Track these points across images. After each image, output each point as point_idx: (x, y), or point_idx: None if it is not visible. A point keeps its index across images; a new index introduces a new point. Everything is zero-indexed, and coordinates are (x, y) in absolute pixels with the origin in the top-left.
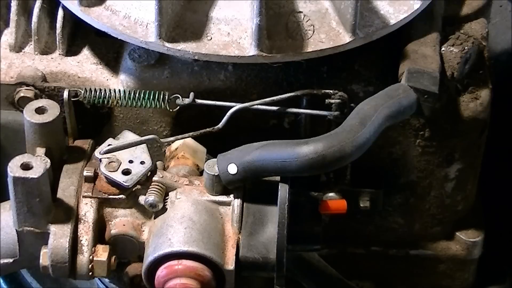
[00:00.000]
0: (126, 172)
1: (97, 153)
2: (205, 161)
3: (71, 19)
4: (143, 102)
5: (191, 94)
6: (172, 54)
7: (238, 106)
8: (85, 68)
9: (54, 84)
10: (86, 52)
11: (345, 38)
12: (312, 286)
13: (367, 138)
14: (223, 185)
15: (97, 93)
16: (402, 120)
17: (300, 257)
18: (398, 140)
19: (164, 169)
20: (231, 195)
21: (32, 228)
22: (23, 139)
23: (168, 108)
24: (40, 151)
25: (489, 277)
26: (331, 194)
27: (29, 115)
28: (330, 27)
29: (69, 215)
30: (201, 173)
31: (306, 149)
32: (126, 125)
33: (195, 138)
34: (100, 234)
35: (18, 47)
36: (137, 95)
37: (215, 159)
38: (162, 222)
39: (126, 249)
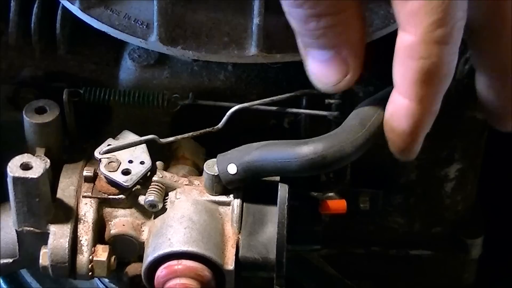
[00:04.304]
0: (126, 172)
1: (96, 153)
2: (205, 161)
3: (71, 19)
4: (143, 102)
5: (191, 94)
6: (172, 54)
7: (238, 106)
8: (84, 68)
9: (54, 84)
10: (85, 52)
11: None
12: (312, 286)
13: (367, 138)
14: (222, 185)
15: (97, 93)
16: None
17: (300, 257)
18: None
19: (164, 169)
20: (231, 195)
21: (31, 228)
22: (22, 139)
23: (168, 108)
24: (40, 151)
25: (489, 277)
26: (331, 194)
27: (29, 115)
28: None
29: (69, 215)
30: (200, 173)
31: (306, 149)
32: (126, 125)
33: (195, 138)
34: (100, 234)
35: (18, 47)
36: (137, 95)
37: (215, 159)
38: (161, 222)
39: (126, 249)
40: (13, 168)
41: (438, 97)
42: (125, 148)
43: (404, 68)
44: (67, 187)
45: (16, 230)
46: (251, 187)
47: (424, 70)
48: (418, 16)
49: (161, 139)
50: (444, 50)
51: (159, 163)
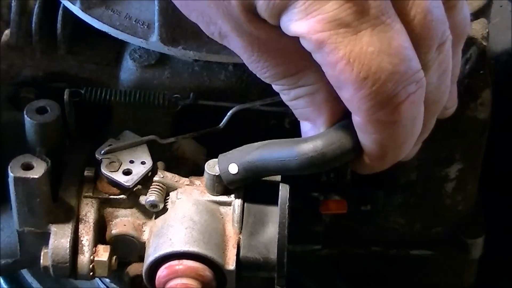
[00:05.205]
0: (127, 172)
1: (97, 154)
2: (206, 161)
3: (72, 19)
4: (144, 102)
5: (192, 94)
6: (173, 54)
7: (238, 106)
8: (85, 68)
9: (54, 84)
10: (86, 52)
11: None
12: (312, 286)
13: None
14: (223, 185)
15: (98, 93)
16: None
17: (300, 257)
18: None
19: (165, 169)
20: (232, 195)
21: (32, 228)
22: (23, 139)
23: (168, 108)
24: (41, 151)
25: (489, 277)
26: (331, 194)
27: (29, 115)
28: None
29: (69, 215)
30: (201, 173)
31: (306, 147)
32: (127, 126)
33: (196, 138)
34: (100, 234)
35: (18, 47)
36: (137, 95)
37: (216, 159)
38: (163, 222)
39: (127, 249)
40: (14, 168)
41: (402, 150)
42: (126, 148)
43: (361, 135)
44: (68, 187)
45: (17, 230)
46: (252, 187)
47: (377, 142)
48: (353, 103)
49: (162, 139)
50: (394, 127)
51: (160, 163)
